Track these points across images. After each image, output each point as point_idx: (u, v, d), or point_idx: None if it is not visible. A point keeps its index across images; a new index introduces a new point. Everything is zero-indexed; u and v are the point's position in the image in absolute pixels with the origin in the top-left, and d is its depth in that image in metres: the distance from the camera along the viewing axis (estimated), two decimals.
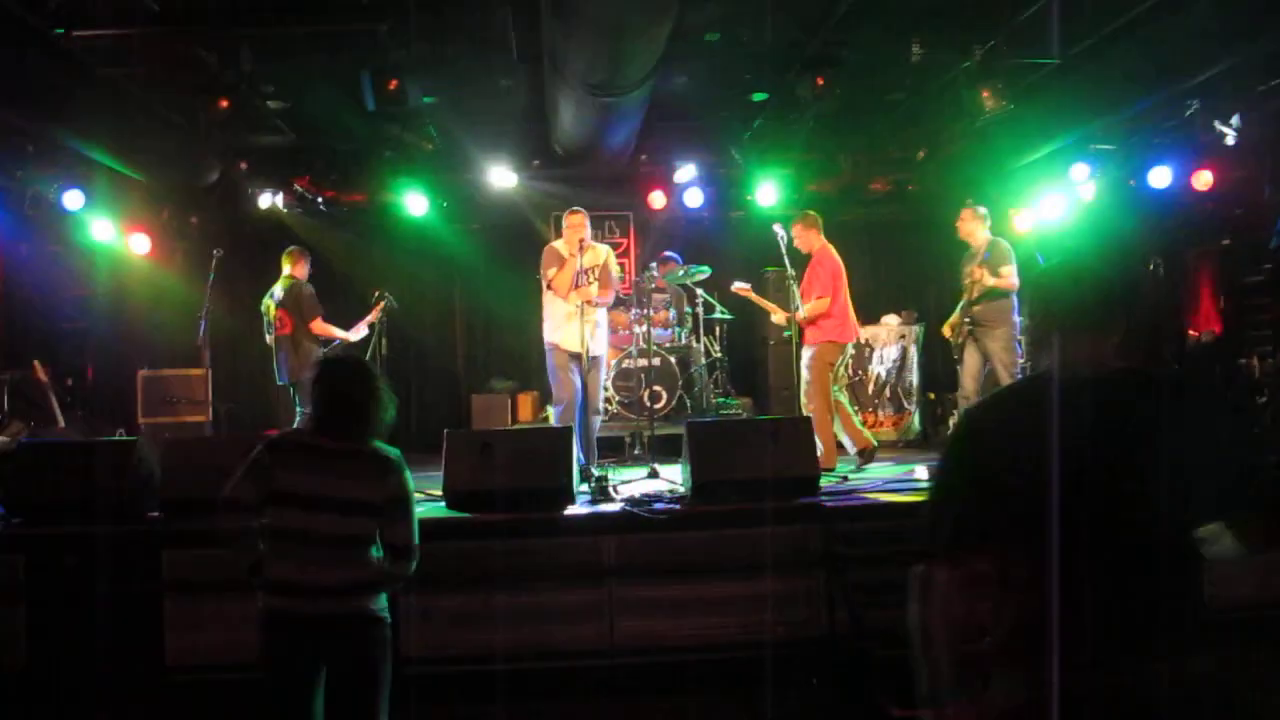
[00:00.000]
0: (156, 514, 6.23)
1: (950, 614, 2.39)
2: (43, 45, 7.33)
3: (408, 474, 3.76)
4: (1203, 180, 10.67)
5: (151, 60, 8.25)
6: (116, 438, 8.43)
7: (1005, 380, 8.13)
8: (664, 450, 8.14)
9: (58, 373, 10.62)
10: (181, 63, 8.25)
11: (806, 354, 8.23)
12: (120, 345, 11.43)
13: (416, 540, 3.76)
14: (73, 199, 10.57)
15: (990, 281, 8.37)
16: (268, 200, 11.19)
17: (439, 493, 6.50)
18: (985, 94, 8.76)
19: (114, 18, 7.37)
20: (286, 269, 8.75)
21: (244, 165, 11.10)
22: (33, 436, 9.16)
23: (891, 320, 11.22)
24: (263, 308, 8.70)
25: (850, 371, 11.04)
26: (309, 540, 3.58)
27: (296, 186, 11.38)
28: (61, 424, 9.80)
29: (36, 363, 10.11)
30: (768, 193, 11.30)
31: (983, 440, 2.49)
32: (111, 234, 11.05)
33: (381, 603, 3.74)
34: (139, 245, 11.16)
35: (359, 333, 8.68)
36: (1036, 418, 2.31)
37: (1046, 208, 11.42)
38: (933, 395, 11.27)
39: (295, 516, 3.59)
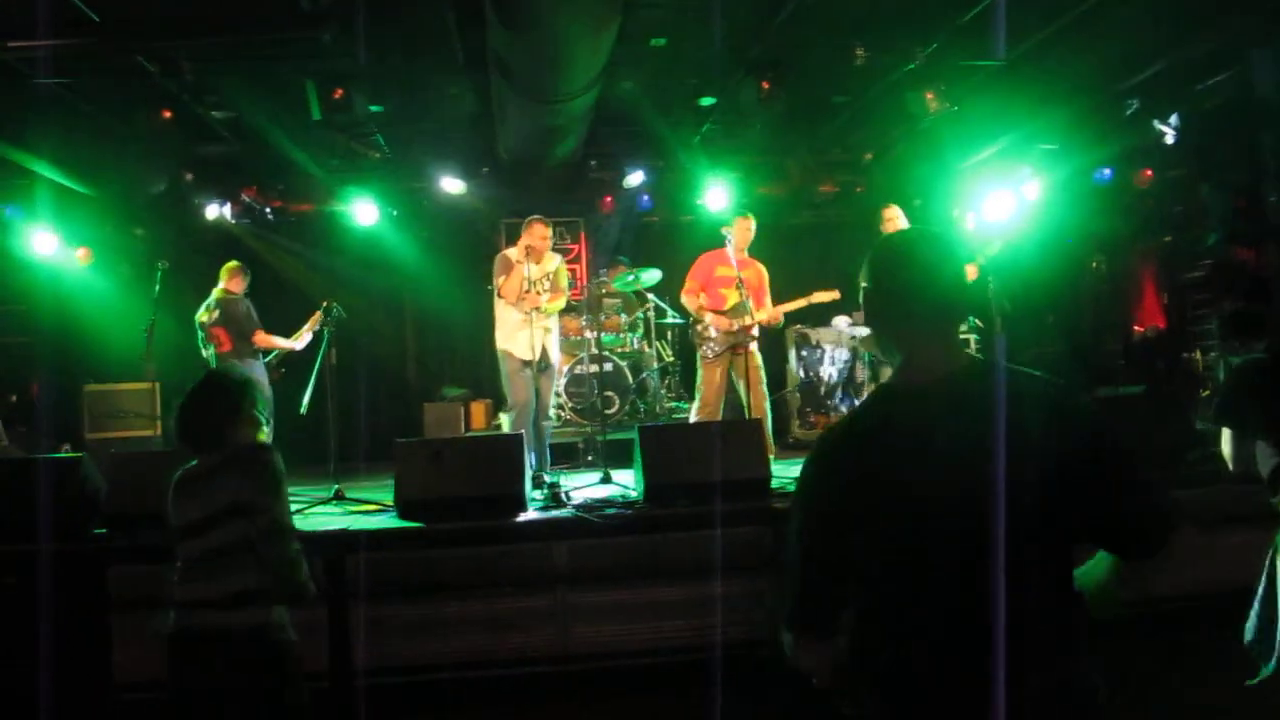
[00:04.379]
0: (102, 531, 6.15)
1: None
2: None
3: (274, 459, 3.62)
4: (1142, 179, 10.88)
5: (92, 71, 8.15)
6: (60, 454, 8.30)
7: None
8: (616, 455, 8.14)
9: (0, 389, 10.44)
10: (122, 73, 8.15)
11: (759, 357, 8.28)
12: (65, 360, 11.25)
13: (287, 518, 3.62)
14: (13, 212, 10.43)
15: None
16: (214, 211, 11.10)
17: (391, 502, 6.47)
18: (929, 96, 8.87)
19: (52, 28, 7.26)
20: (221, 283, 8.59)
21: (189, 176, 10.98)
22: None
23: (841, 322, 11.29)
24: (196, 322, 8.56)
25: (801, 372, 11.12)
26: (198, 561, 3.53)
27: (244, 197, 11.29)
28: (4, 440, 9.63)
29: None
30: (717, 196, 11.34)
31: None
32: (54, 247, 10.90)
33: (275, 618, 3.57)
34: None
35: (302, 341, 8.51)
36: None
37: (991, 207, 11.54)
38: None
39: (188, 545, 3.56)
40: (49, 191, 10.20)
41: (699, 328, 8.43)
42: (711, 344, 8.30)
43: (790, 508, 2.22)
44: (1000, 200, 11.49)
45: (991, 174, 11.39)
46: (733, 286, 8.29)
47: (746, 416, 8.00)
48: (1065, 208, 11.60)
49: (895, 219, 8.67)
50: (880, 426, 2.15)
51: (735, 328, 8.20)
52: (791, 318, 10.49)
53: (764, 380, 8.28)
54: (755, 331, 8.26)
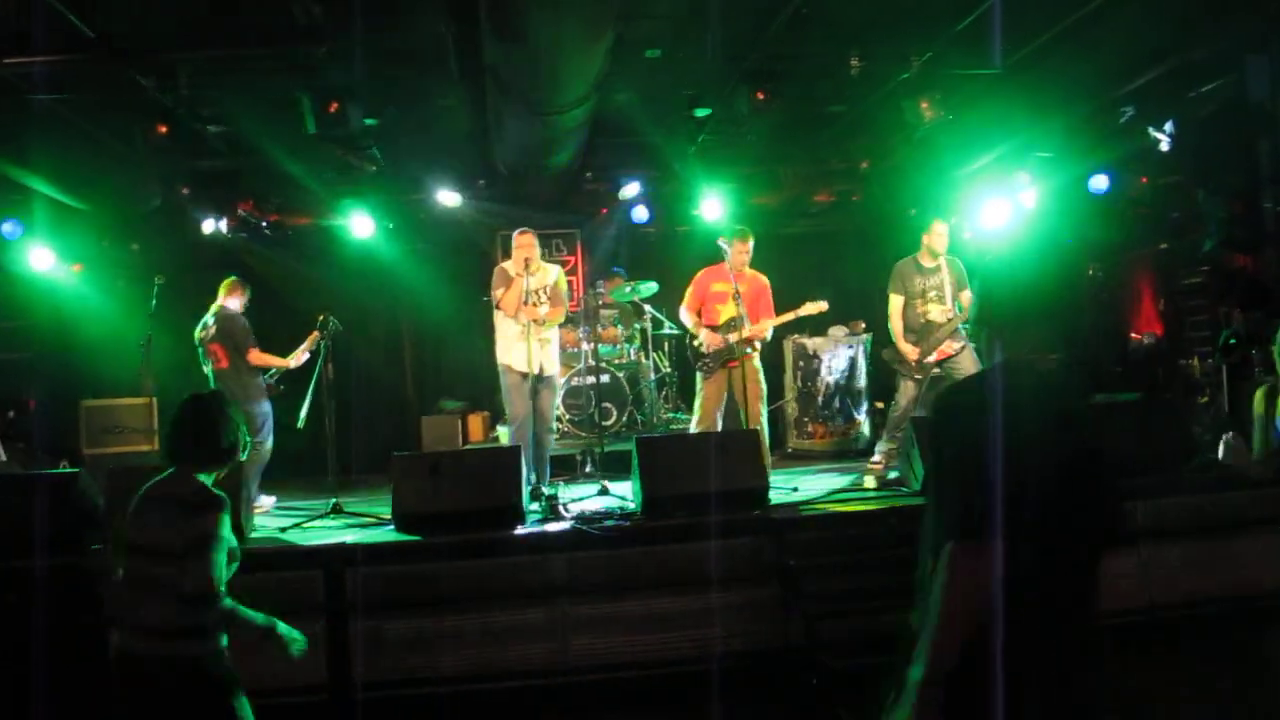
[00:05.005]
0: (100, 546, 6.13)
1: (973, 598, 2.39)
2: None
3: (219, 516, 3.60)
4: (1138, 185, 10.89)
5: (88, 86, 8.15)
6: (57, 470, 8.28)
7: None
8: (615, 467, 8.13)
9: None
10: (118, 88, 8.16)
11: (759, 369, 8.28)
12: (62, 375, 11.24)
13: (211, 585, 3.52)
14: (9, 228, 10.43)
15: None
16: (210, 225, 11.07)
17: (389, 515, 6.46)
18: (924, 104, 8.87)
19: (48, 44, 7.26)
20: (220, 298, 8.52)
21: (185, 191, 10.97)
22: None
23: (839, 331, 11.29)
24: (195, 337, 8.51)
25: (799, 382, 11.11)
26: (145, 582, 3.55)
27: (239, 211, 11.27)
28: (3, 457, 9.61)
29: None
30: (713, 207, 11.36)
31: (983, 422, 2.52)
32: (50, 263, 10.89)
33: (215, 649, 3.58)
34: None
35: (299, 359, 8.43)
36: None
37: (988, 215, 11.55)
38: (881, 404, 11.34)
39: (138, 562, 3.59)
40: (45, 207, 10.19)
41: (695, 344, 8.50)
42: (706, 360, 8.35)
43: (928, 446, 2.61)
44: (997, 208, 11.51)
45: (988, 182, 11.40)
46: (727, 301, 8.32)
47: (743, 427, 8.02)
48: (1061, 215, 11.60)
49: (940, 232, 8.56)
50: (991, 393, 2.58)
51: (727, 343, 8.23)
52: (789, 328, 10.50)
53: (763, 392, 8.28)
54: (752, 345, 8.25)
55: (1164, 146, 9.87)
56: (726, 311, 8.33)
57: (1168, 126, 9.80)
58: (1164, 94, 9.29)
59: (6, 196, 10.12)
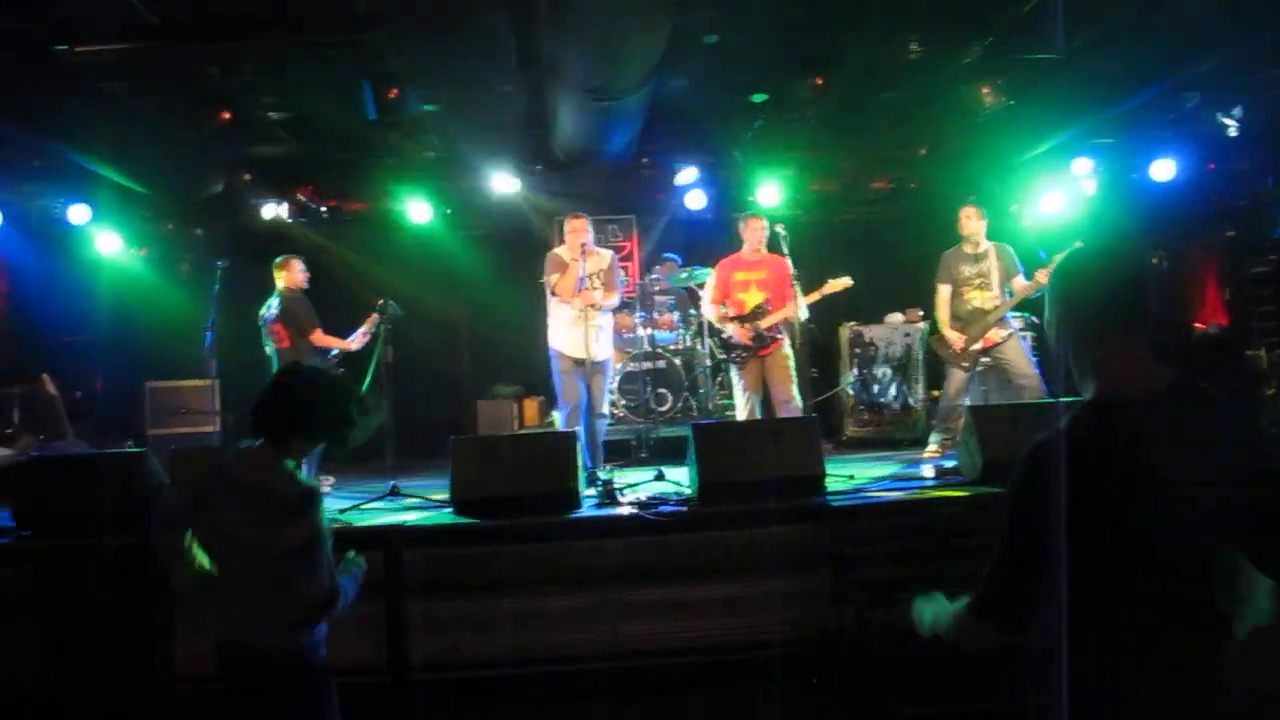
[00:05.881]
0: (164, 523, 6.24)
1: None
2: (44, 61, 7.37)
3: (320, 510, 3.48)
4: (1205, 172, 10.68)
5: (152, 74, 8.28)
6: (124, 449, 8.45)
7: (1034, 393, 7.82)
8: (670, 452, 8.15)
9: (66, 385, 10.65)
10: (182, 75, 8.28)
11: (789, 355, 8.26)
12: (127, 357, 11.47)
13: (334, 584, 3.49)
14: (78, 213, 10.65)
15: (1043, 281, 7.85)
16: (271, 210, 11.23)
17: (446, 499, 6.52)
18: (984, 90, 8.78)
19: (114, 32, 7.39)
20: (279, 281, 8.61)
21: (247, 176, 11.12)
22: (42, 449, 9.20)
23: (896, 319, 11.21)
24: (259, 318, 8.63)
25: (855, 370, 11.04)
26: (236, 583, 3.44)
27: (299, 196, 11.42)
28: (70, 436, 9.83)
29: (45, 376, 10.15)
30: (770, 193, 11.32)
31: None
32: (117, 247, 11.10)
33: (309, 640, 3.51)
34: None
35: (359, 342, 8.52)
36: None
37: (1048, 203, 11.40)
38: (937, 393, 11.24)
39: (225, 558, 3.46)
40: (111, 192, 10.39)
41: (723, 336, 8.55)
42: (738, 351, 8.39)
43: (1003, 509, 2.26)
44: (1057, 195, 11.35)
45: (1048, 169, 11.23)
46: (750, 289, 8.38)
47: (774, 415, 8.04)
48: (1123, 203, 11.41)
49: (971, 218, 8.49)
50: (1095, 441, 2.14)
51: (756, 330, 8.27)
52: (846, 314, 10.45)
53: (793, 377, 8.25)
54: (780, 330, 8.29)
55: (1232, 132, 9.67)
56: (751, 299, 8.36)
57: (1236, 111, 9.61)
58: (1233, 78, 9.10)
59: (74, 182, 10.33)
